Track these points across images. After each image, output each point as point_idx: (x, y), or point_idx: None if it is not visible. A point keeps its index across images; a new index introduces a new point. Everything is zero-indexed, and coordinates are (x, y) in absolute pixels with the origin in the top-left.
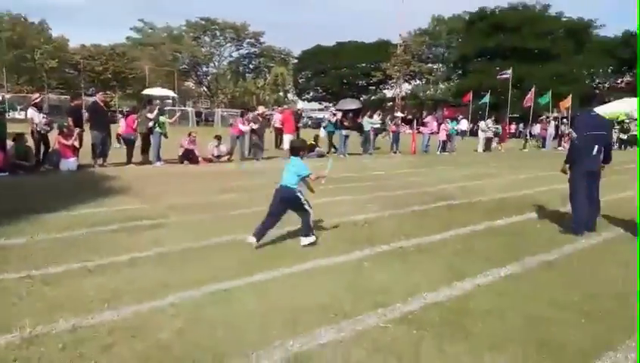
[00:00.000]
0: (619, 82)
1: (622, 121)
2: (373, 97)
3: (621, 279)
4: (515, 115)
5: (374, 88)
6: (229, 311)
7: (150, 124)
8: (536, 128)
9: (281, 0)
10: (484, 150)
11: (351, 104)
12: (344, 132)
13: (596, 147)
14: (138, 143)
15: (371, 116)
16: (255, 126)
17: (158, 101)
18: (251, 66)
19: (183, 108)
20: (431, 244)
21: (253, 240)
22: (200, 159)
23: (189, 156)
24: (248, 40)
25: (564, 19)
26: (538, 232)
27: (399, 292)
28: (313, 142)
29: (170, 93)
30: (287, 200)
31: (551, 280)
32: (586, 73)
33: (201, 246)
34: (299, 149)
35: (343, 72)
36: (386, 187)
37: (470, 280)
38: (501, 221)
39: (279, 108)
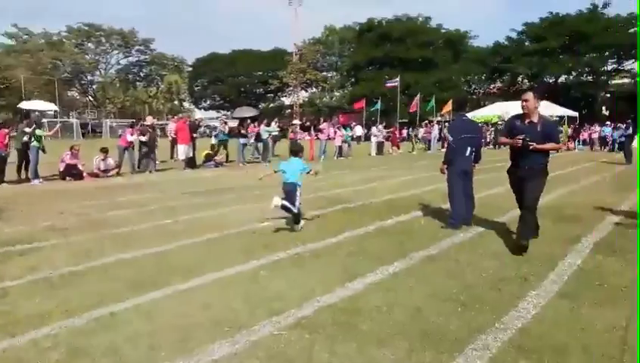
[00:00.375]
0: (492, 87)
1: (496, 123)
2: (271, 105)
3: (493, 269)
4: (404, 120)
5: (272, 95)
6: (115, 336)
7: (26, 138)
8: (421, 132)
9: (172, 6)
10: (377, 154)
11: (247, 112)
12: (241, 140)
13: (469, 148)
14: (13, 159)
15: (268, 124)
16: (144, 138)
17: (37, 113)
18: (142, 74)
19: (66, 120)
20: (326, 248)
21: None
22: (84, 174)
23: (72, 172)
24: (137, 47)
25: (443, 30)
26: (423, 229)
27: (294, 298)
28: (210, 151)
29: (52, 106)
30: (290, 193)
31: (433, 273)
32: (464, 80)
33: (85, 269)
34: (298, 151)
35: (240, 81)
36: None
37: (361, 279)
38: (391, 220)
39: (174, 117)
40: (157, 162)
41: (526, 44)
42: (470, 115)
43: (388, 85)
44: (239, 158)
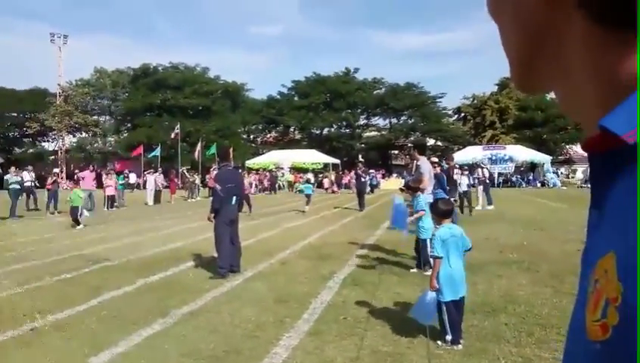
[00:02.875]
0: (268, 136)
1: (271, 170)
2: (30, 150)
3: (254, 316)
4: (187, 167)
5: (29, 140)
6: None
7: None
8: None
9: None
10: (154, 203)
11: None
12: None
13: (234, 197)
14: None
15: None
16: None
17: None
18: None
19: None
20: (72, 317)
21: None
22: None
23: None
24: None
25: (221, 81)
26: (190, 282)
27: None
28: None
29: None
30: None
31: (193, 330)
32: (243, 129)
33: None
34: None
35: None
36: (31, 256)
37: (110, 350)
38: (156, 276)
39: None
40: None
41: (295, 99)
42: (250, 162)
43: (173, 135)
44: None
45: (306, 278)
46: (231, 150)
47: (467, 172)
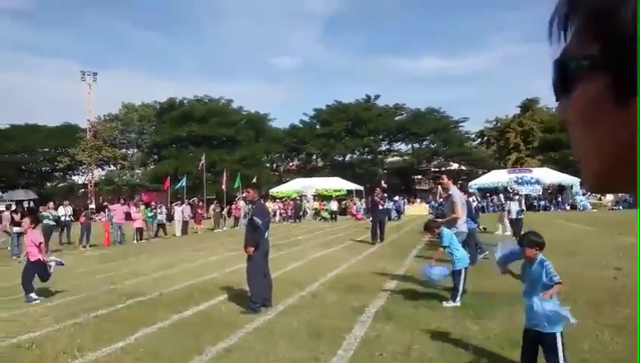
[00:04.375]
0: (291, 165)
1: (295, 198)
2: (60, 184)
3: (288, 353)
4: (212, 196)
5: (60, 174)
6: None
7: None
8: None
9: None
10: (182, 234)
11: (22, 195)
12: (15, 229)
13: (267, 231)
14: None
15: (56, 209)
16: None
17: None
18: None
19: None
20: (111, 355)
21: None
22: None
23: None
24: None
25: (244, 112)
26: (222, 317)
27: None
28: None
29: None
30: None
31: None
32: (266, 158)
33: None
34: None
35: (20, 158)
36: (69, 291)
37: None
38: (189, 311)
39: None
40: None
41: (317, 127)
42: (273, 190)
43: (200, 166)
44: (13, 250)
45: (337, 312)
46: (255, 179)
47: (517, 197)
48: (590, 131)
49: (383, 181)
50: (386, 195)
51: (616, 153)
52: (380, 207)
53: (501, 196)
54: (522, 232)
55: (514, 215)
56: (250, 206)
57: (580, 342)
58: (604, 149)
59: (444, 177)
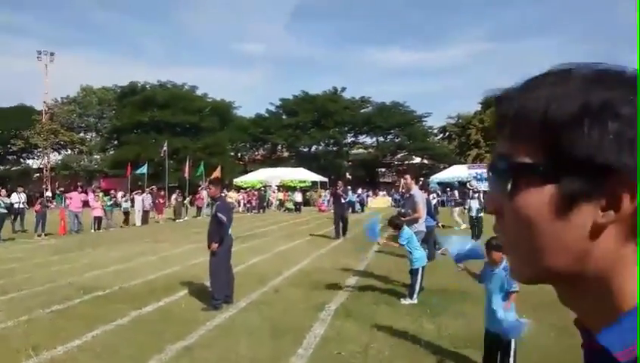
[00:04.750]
0: (256, 154)
1: (260, 188)
2: (14, 168)
3: (249, 352)
4: (174, 184)
5: (14, 157)
6: None
7: None
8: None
9: None
10: (142, 224)
11: None
12: None
13: (230, 227)
14: None
15: (9, 195)
16: None
17: None
18: None
19: None
20: (68, 354)
21: None
22: None
23: None
24: None
25: (209, 99)
26: (183, 313)
27: None
28: None
29: None
30: None
31: None
32: (231, 146)
33: None
34: None
35: None
36: (23, 284)
37: None
38: (149, 307)
39: None
40: None
41: (283, 117)
42: (238, 180)
43: (162, 152)
44: None
45: (298, 308)
46: (219, 168)
47: (476, 195)
48: (539, 231)
49: (347, 173)
50: (349, 187)
51: (564, 253)
52: (342, 201)
53: (456, 192)
54: (481, 229)
55: (474, 213)
56: (213, 202)
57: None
58: (553, 248)
59: (407, 177)
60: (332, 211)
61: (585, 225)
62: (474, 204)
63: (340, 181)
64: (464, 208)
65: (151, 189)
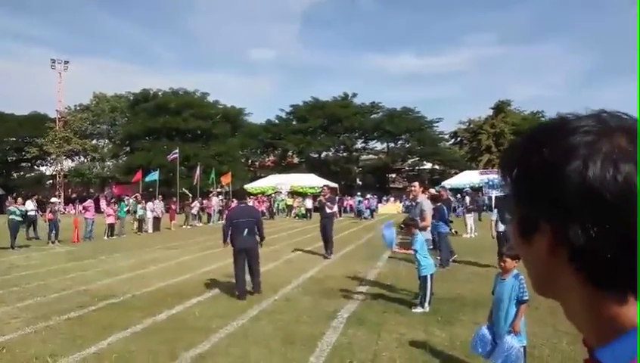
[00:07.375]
0: (266, 160)
1: (270, 195)
2: (28, 175)
3: (262, 359)
4: (185, 191)
5: (28, 165)
6: None
7: None
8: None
9: None
10: (154, 231)
11: None
12: None
13: (246, 230)
14: None
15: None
16: None
17: None
18: None
19: None
20: (84, 361)
21: None
22: None
23: None
24: None
25: (220, 106)
26: (196, 321)
27: None
28: None
29: None
30: None
31: None
32: (241, 153)
33: None
34: None
35: None
36: (37, 292)
37: None
38: (163, 314)
39: None
40: None
41: (294, 123)
42: (248, 186)
43: (170, 157)
44: None
45: (310, 317)
46: (229, 174)
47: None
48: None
49: (357, 179)
50: (359, 193)
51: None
52: (328, 211)
53: (467, 198)
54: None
55: (501, 228)
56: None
57: (540, 349)
58: (531, 271)
59: (415, 184)
60: (338, 218)
61: (540, 257)
62: (495, 216)
63: (324, 187)
64: (491, 220)
65: (159, 197)
